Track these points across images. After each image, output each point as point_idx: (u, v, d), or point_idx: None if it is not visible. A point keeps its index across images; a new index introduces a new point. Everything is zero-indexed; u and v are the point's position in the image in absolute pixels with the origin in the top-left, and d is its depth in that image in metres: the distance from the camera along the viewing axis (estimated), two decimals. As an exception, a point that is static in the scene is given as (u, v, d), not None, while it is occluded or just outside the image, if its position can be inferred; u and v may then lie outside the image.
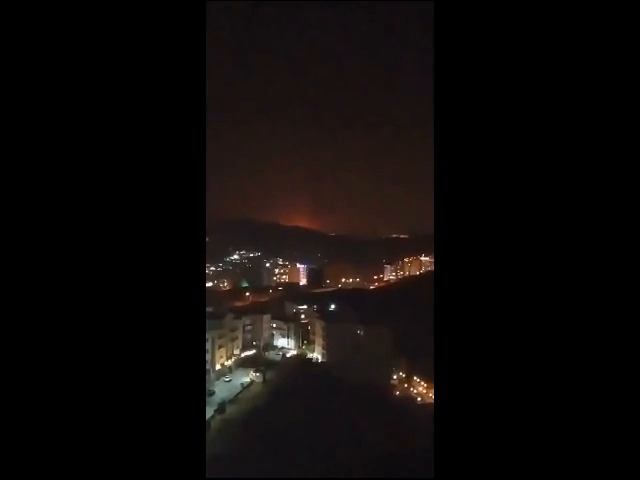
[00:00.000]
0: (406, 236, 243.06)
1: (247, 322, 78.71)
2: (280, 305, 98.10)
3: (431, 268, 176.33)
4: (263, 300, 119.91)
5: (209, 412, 51.83)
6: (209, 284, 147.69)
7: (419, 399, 71.74)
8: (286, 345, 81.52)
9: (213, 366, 65.46)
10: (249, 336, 78.65)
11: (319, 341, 76.65)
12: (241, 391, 60.76)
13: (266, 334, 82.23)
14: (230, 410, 54.00)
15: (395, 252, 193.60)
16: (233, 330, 73.07)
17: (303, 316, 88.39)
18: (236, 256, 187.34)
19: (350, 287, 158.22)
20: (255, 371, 66.25)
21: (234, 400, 57.49)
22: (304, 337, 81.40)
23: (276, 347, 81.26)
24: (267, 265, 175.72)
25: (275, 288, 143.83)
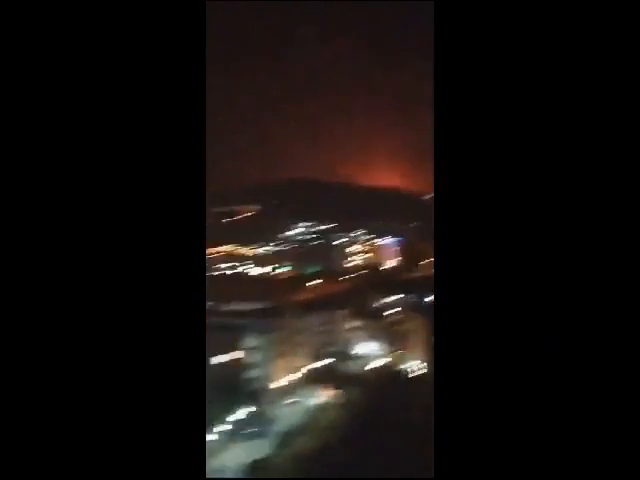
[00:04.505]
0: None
1: (317, 322, 79.05)
2: (362, 296, 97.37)
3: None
4: (338, 290, 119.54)
5: (265, 449, 52.15)
6: (259, 270, 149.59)
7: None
8: (371, 352, 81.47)
9: (270, 383, 65.92)
10: (320, 341, 79.01)
11: (417, 346, 75.99)
12: (312, 417, 61.37)
13: (343, 337, 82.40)
14: (298, 444, 54.07)
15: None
16: (297, 333, 73.29)
17: (394, 311, 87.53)
18: (298, 230, 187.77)
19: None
20: (329, 389, 66.88)
21: (303, 430, 57.65)
22: (395, 341, 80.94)
23: (357, 355, 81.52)
24: (343, 241, 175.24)
25: (355, 272, 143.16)
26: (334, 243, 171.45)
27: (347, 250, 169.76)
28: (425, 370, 73.68)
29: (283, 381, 68.29)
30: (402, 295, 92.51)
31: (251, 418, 60.08)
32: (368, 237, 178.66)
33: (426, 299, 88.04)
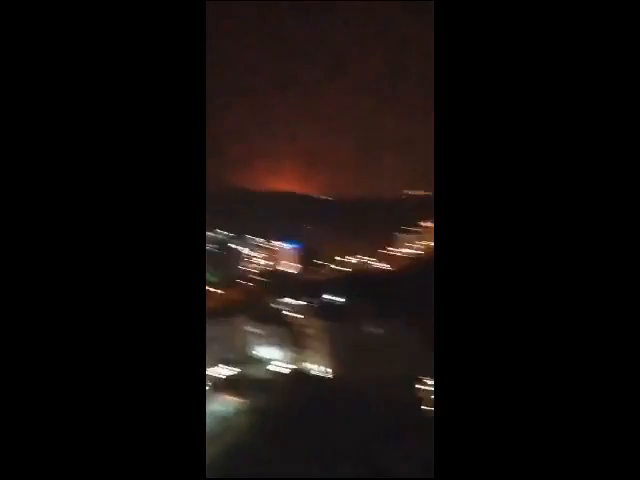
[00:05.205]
0: (425, 192, 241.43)
1: (217, 329, 78.34)
2: (261, 302, 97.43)
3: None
4: (237, 297, 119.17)
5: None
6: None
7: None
8: (273, 356, 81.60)
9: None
10: (219, 348, 78.37)
11: (318, 347, 76.81)
12: (218, 425, 60.80)
13: (244, 343, 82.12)
14: (207, 454, 53.47)
15: (411, 216, 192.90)
16: (199, 342, 72.18)
17: (293, 314, 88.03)
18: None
19: (355, 269, 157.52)
20: (234, 396, 66.81)
21: (210, 439, 56.97)
22: (297, 343, 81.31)
23: (259, 360, 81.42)
24: (238, 247, 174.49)
25: (252, 278, 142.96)
26: (232, 249, 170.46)
27: (243, 256, 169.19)
28: (326, 371, 74.74)
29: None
30: (300, 298, 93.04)
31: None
32: (264, 242, 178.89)
33: (324, 301, 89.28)
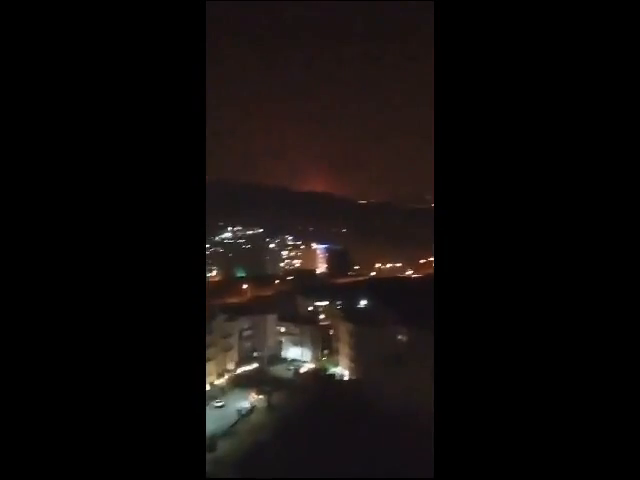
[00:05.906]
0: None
1: (245, 325, 79.18)
2: (291, 301, 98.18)
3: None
4: (267, 295, 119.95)
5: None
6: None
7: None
8: (299, 357, 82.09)
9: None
10: (248, 345, 79.26)
11: (345, 351, 76.88)
12: (238, 421, 61.38)
13: (272, 342, 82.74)
14: (223, 448, 54.10)
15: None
16: (226, 337, 73.29)
17: (323, 316, 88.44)
18: (229, 234, 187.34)
19: (388, 275, 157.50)
20: (257, 393, 66.90)
21: (228, 433, 57.61)
22: (324, 345, 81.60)
23: (286, 359, 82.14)
24: (272, 246, 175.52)
25: (283, 278, 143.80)
26: (265, 247, 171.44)
27: (277, 255, 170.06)
28: (349, 375, 74.68)
29: (211, 384, 67.99)
30: (330, 301, 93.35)
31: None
32: (299, 242, 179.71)
33: (355, 305, 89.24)
